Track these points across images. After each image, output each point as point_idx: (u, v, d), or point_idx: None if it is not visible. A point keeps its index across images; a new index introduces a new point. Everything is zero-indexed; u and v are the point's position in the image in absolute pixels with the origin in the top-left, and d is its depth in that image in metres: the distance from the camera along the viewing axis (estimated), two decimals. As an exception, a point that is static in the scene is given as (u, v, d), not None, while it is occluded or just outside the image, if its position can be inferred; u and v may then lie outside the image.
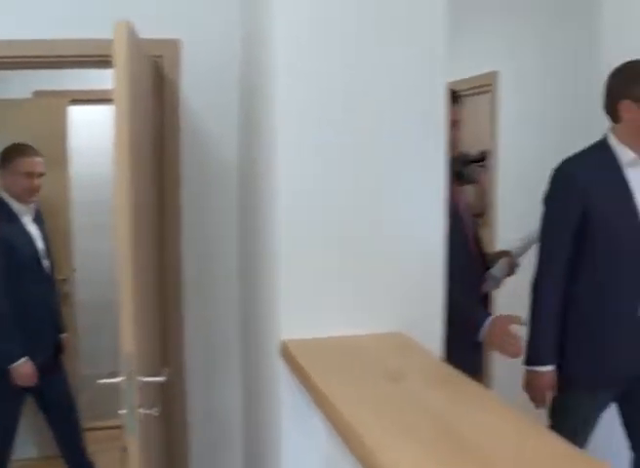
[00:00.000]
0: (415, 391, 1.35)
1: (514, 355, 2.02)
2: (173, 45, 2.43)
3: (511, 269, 2.44)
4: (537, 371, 2.23)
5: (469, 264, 2.32)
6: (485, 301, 2.46)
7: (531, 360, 2.25)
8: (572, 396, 2.26)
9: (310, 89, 1.69)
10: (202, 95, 2.51)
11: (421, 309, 1.78)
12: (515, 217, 3.51)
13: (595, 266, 2.21)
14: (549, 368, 2.22)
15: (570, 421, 2.28)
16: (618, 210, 2.19)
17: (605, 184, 2.20)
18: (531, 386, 2.27)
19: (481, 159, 3.74)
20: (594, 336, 2.22)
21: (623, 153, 2.20)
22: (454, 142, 2.26)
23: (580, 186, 2.19)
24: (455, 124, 2.23)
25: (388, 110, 1.74)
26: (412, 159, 1.77)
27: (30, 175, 2.88)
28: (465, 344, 2.22)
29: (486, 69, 3.47)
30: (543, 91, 3.14)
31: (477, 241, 2.44)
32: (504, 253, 2.47)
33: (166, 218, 2.52)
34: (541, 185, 3.21)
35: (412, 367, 1.52)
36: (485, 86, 3.66)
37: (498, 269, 2.40)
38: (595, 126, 2.79)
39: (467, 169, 3.52)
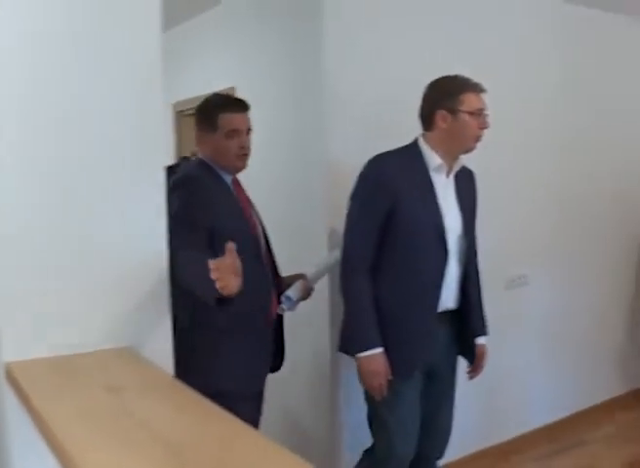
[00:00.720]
0: (132, 404, 1.37)
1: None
2: None
3: (306, 293, 2.46)
4: (368, 356, 2.29)
5: (261, 276, 2.33)
6: (280, 324, 2.47)
7: (359, 347, 2.32)
8: (392, 382, 2.34)
9: (20, 103, 1.64)
10: None
11: (149, 325, 1.81)
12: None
13: (397, 262, 2.33)
14: (379, 350, 2.29)
15: (399, 407, 2.38)
16: (422, 210, 2.32)
17: (412, 185, 2.32)
18: (367, 374, 2.30)
19: None
20: (398, 328, 2.33)
21: (432, 158, 2.36)
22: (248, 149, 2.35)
23: (388, 183, 2.30)
24: (248, 132, 2.34)
25: (103, 127, 1.74)
26: (128, 176, 1.79)
27: None
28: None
29: (226, 84, 3.56)
30: (275, 102, 3.29)
31: (269, 250, 2.46)
32: (300, 277, 2.48)
33: None
34: (273, 190, 3.34)
35: (133, 381, 1.55)
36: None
37: (293, 291, 2.38)
38: (320, 131, 2.98)
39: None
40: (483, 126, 2.33)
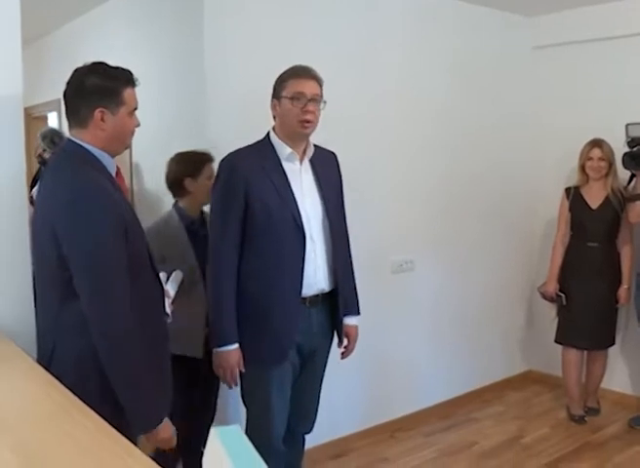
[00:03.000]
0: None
1: None
2: None
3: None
4: (224, 352, 2.41)
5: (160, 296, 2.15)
6: None
7: (218, 342, 2.43)
8: (254, 370, 2.46)
9: None
10: None
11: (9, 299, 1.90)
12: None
13: (259, 252, 2.41)
14: (233, 346, 2.42)
15: (261, 393, 2.48)
16: (275, 199, 2.40)
17: (263, 175, 2.41)
18: (222, 367, 2.44)
19: None
20: (263, 317, 2.42)
21: (282, 148, 2.45)
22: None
23: (241, 175, 2.37)
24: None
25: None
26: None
27: None
28: None
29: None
30: (159, 93, 3.34)
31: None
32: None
33: None
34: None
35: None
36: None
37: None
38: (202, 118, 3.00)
39: None
40: (306, 109, 2.38)
